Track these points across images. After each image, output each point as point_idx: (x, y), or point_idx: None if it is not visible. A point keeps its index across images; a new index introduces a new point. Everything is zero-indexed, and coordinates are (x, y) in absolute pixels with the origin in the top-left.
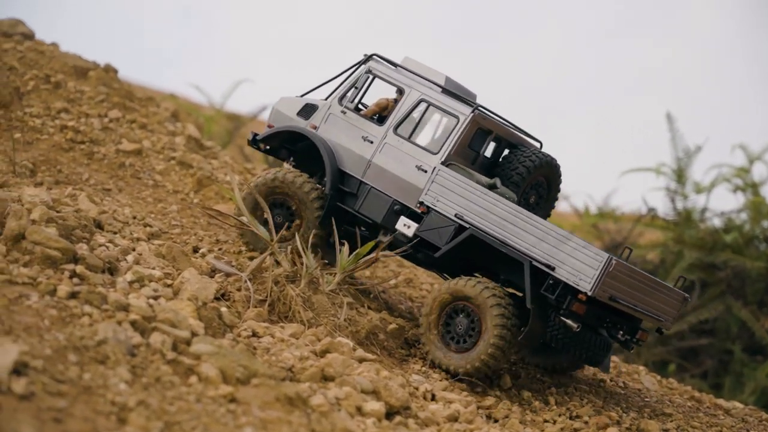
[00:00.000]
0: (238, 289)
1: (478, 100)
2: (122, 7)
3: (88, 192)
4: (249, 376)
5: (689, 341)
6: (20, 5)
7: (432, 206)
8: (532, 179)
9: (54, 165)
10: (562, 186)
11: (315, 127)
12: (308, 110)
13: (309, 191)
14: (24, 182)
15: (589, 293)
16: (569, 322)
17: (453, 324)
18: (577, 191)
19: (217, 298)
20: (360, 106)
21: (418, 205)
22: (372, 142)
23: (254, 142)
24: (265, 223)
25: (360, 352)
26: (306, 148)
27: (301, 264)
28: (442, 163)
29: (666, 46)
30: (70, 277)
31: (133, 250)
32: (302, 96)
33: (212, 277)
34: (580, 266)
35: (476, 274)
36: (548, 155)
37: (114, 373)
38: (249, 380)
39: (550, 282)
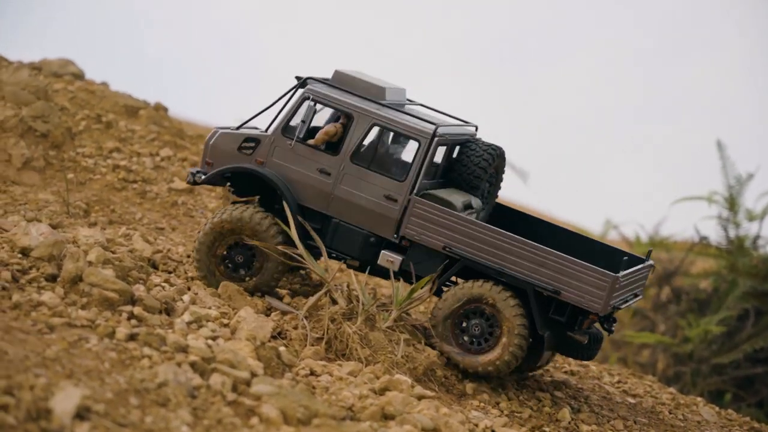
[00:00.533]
0: (295, 327)
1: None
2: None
3: (142, 231)
4: (310, 417)
5: (744, 370)
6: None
7: (416, 240)
8: (488, 173)
9: (107, 205)
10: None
11: (261, 163)
12: (250, 144)
13: (269, 229)
14: (78, 223)
15: (600, 314)
16: (578, 337)
17: (469, 326)
18: (628, 220)
19: (273, 337)
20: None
21: (400, 239)
22: (329, 174)
23: (194, 183)
24: (233, 266)
25: (419, 389)
26: (247, 180)
27: (357, 301)
28: (417, 193)
29: (713, 71)
30: (128, 319)
31: (189, 289)
32: (238, 128)
33: (268, 315)
34: (587, 289)
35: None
36: (496, 147)
37: (175, 416)
38: (310, 420)
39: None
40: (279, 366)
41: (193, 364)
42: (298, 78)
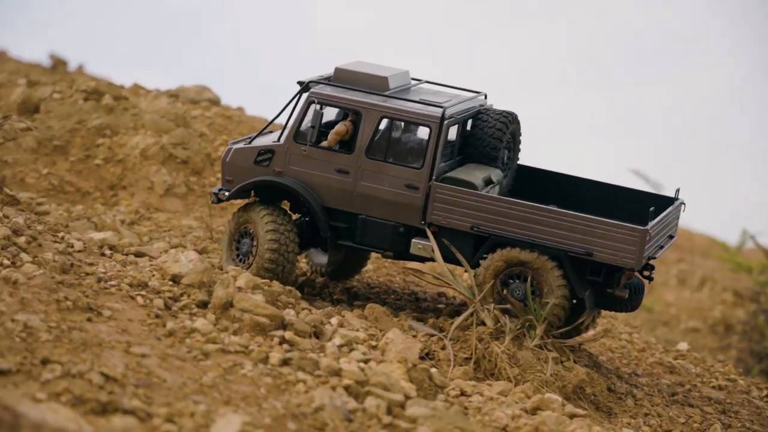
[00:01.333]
0: (442, 348)
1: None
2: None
3: None
4: None
5: None
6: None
7: (443, 224)
8: (504, 143)
9: None
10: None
11: (279, 172)
12: (265, 156)
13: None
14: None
15: (636, 269)
16: (618, 293)
17: (511, 289)
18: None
19: (421, 358)
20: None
21: (427, 225)
22: (348, 172)
23: (219, 201)
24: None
25: (570, 408)
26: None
27: (504, 320)
28: (436, 179)
29: None
30: (280, 344)
31: (337, 312)
32: (250, 142)
33: (415, 336)
34: (618, 246)
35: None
36: (508, 113)
37: None
38: None
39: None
40: (431, 387)
41: (347, 388)
42: (300, 83)
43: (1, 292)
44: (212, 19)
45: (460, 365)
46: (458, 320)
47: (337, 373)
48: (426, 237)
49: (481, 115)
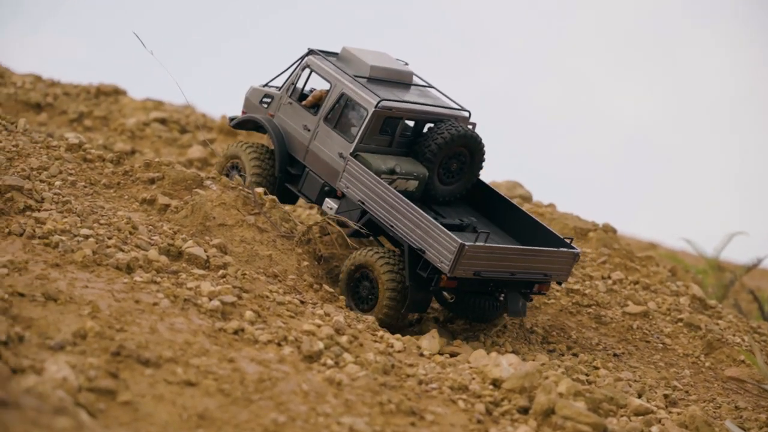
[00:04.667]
0: None
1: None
2: None
3: (601, 358)
4: None
5: None
6: None
7: (345, 192)
8: (449, 151)
9: (563, 329)
10: (485, 154)
11: (272, 116)
12: (267, 100)
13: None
14: (536, 349)
15: (449, 275)
16: (444, 294)
17: (360, 287)
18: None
19: None
20: (306, 94)
21: (338, 189)
22: (309, 130)
23: (231, 126)
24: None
25: None
26: None
27: None
28: (353, 153)
29: None
30: None
31: (657, 421)
32: (265, 85)
33: None
34: (441, 251)
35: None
36: (463, 129)
37: None
38: None
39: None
40: None
41: None
42: (309, 49)
43: (326, 394)
44: None
45: None
46: None
47: None
48: (336, 199)
49: (440, 123)
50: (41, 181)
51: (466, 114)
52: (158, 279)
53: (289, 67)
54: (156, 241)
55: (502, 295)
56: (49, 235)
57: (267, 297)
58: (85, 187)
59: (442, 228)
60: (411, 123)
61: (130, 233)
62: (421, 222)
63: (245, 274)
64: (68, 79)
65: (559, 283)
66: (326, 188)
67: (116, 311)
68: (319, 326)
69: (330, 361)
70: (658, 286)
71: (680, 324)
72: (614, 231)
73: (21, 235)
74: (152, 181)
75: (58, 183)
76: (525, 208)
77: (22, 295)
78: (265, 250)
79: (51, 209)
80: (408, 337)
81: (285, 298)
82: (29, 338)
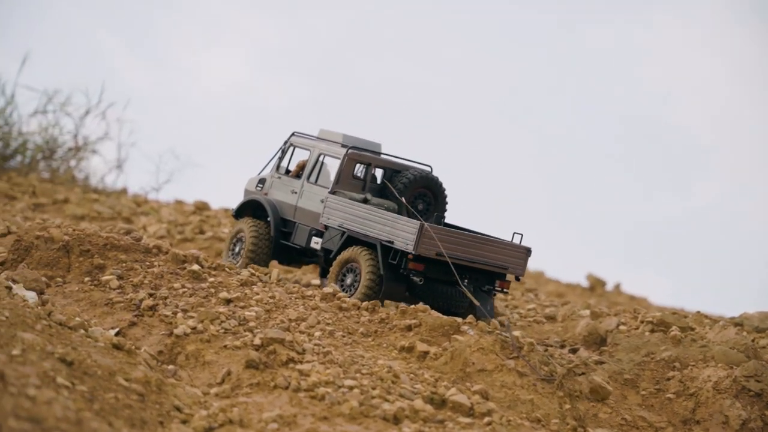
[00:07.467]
0: None
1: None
2: None
3: None
4: None
5: None
6: None
7: (327, 224)
8: (414, 191)
9: None
10: (447, 196)
11: (266, 194)
12: (262, 183)
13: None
14: None
15: (413, 252)
16: (414, 278)
17: (346, 277)
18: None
19: None
20: (290, 169)
21: (324, 227)
22: (296, 193)
23: (233, 215)
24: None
25: None
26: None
27: None
28: (331, 193)
29: None
30: None
31: None
32: (259, 174)
33: None
34: (405, 236)
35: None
36: (424, 172)
37: None
38: None
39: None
40: None
41: None
42: (293, 132)
43: None
44: None
45: None
46: None
47: None
48: (320, 236)
49: (403, 171)
50: (300, 332)
51: (429, 168)
52: (425, 429)
53: (276, 152)
54: (419, 390)
55: (466, 280)
56: (315, 387)
57: None
58: (344, 336)
59: (404, 217)
60: (379, 174)
61: (393, 382)
62: (387, 219)
63: (510, 420)
64: None
65: (518, 279)
66: (313, 233)
67: None
68: None
69: None
70: None
71: None
72: None
73: (287, 388)
74: (409, 328)
75: (317, 333)
76: None
77: None
78: (527, 395)
79: (313, 360)
80: None
81: None
82: None
